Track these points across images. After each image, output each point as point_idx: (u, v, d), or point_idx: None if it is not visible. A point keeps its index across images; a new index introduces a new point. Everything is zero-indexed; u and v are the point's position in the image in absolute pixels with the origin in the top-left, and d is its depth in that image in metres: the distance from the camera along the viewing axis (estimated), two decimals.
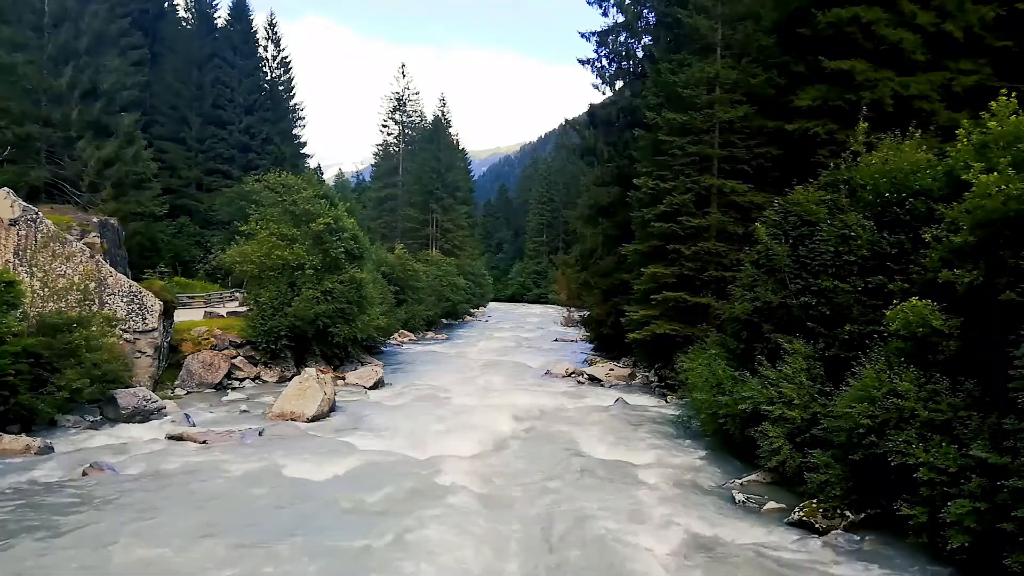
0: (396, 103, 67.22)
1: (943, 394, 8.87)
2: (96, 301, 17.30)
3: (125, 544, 8.41)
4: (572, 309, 43.35)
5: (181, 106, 43.17)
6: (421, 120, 68.60)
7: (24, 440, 12.35)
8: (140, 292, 18.46)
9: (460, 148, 78.18)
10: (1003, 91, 9.91)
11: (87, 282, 16.88)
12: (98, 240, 21.13)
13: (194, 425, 15.14)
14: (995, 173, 8.71)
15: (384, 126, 67.89)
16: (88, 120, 28.70)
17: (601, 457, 13.54)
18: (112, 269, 18.72)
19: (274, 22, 49.73)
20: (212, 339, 21.37)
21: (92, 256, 18.16)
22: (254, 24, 48.12)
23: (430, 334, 42.43)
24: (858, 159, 12.94)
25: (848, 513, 9.67)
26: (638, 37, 28.22)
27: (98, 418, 15.16)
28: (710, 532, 9.57)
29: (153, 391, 17.28)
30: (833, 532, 9.43)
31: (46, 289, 15.80)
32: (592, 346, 33.18)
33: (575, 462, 13.10)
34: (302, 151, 51.75)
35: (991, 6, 15.92)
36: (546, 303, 78.93)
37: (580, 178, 53.70)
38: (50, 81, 27.75)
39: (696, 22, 20.74)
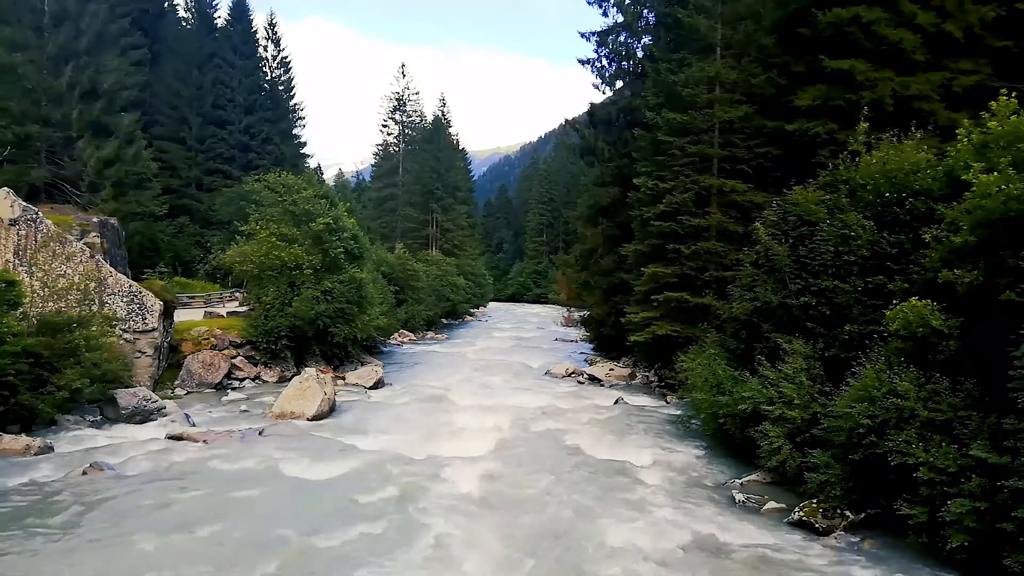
0: (396, 103, 67.28)
1: (943, 394, 8.87)
2: (96, 301, 17.30)
3: (125, 544, 8.42)
4: (572, 309, 43.35)
5: (181, 106, 43.16)
6: (421, 120, 68.62)
7: (24, 440, 12.35)
8: (140, 292, 18.46)
9: (460, 148, 78.14)
10: (1003, 91, 9.91)
11: (87, 282, 16.88)
12: (98, 240, 21.13)
13: (194, 425, 15.14)
14: (995, 173, 8.71)
15: (384, 126, 67.99)
16: (88, 120, 28.67)
17: (601, 457, 13.54)
18: (112, 269, 18.71)
19: (274, 22, 49.82)
20: (212, 339, 21.36)
21: (92, 256, 18.16)
22: (254, 24, 48.17)
23: (430, 334, 42.42)
24: (858, 159, 12.95)
25: (848, 513, 9.68)
26: (638, 37, 28.26)
27: (98, 418, 15.16)
28: (710, 532, 9.57)
29: (153, 391, 17.27)
30: (833, 532, 9.45)
31: (46, 289, 15.81)
32: (592, 346, 33.19)
33: (575, 462, 13.11)
34: (302, 151, 51.75)
35: (991, 6, 15.91)
36: (546, 303, 78.96)
37: (580, 178, 53.73)
38: (50, 81, 27.73)
39: (696, 22, 20.75)
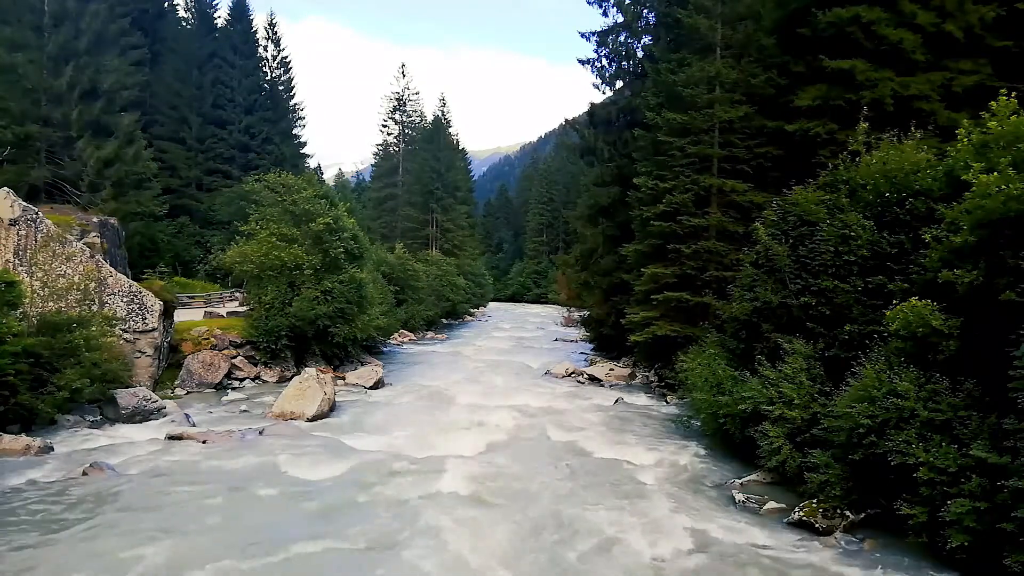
0: (396, 103, 67.29)
1: (943, 394, 8.88)
2: (96, 301, 17.30)
3: (125, 544, 8.41)
4: (572, 309, 43.34)
5: (181, 106, 43.17)
6: (421, 120, 68.63)
7: (24, 440, 12.35)
8: (140, 292, 18.46)
9: (460, 148, 78.17)
10: (1003, 91, 9.91)
11: (87, 282, 16.88)
12: (98, 240, 21.14)
13: (194, 425, 15.15)
14: (995, 173, 8.72)
15: (384, 126, 68.00)
16: (88, 120, 28.69)
17: (601, 457, 13.54)
18: (112, 269, 18.72)
19: (274, 22, 49.83)
20: (212, 339, 21.37)
21: (92, 256, 18.16)
22: (254, 24, 48.20)
23: (430, 334, 42.42)
24: (858, 159, 12.95)
25: (848, 513, 9.68)
26: (638, 37, 28.25)
27: (98, 418, 15.16)
28: (710, 532, 9.57)
29: (153, 391, 17.28)
30: (833, 532, 9.44)
31: (46, 289, 15.81)
32: (592, 346, 33.19)
33: (575, 462, 13.10)
34: (302, 151, 51.77)
35: (991, 6, 15.90)
36: (546, 303, 79.02)
37: (580, 178, 53.73)
38: (50, 81, 27.75)
39: (696, 22, 20.75)
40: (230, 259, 23.63)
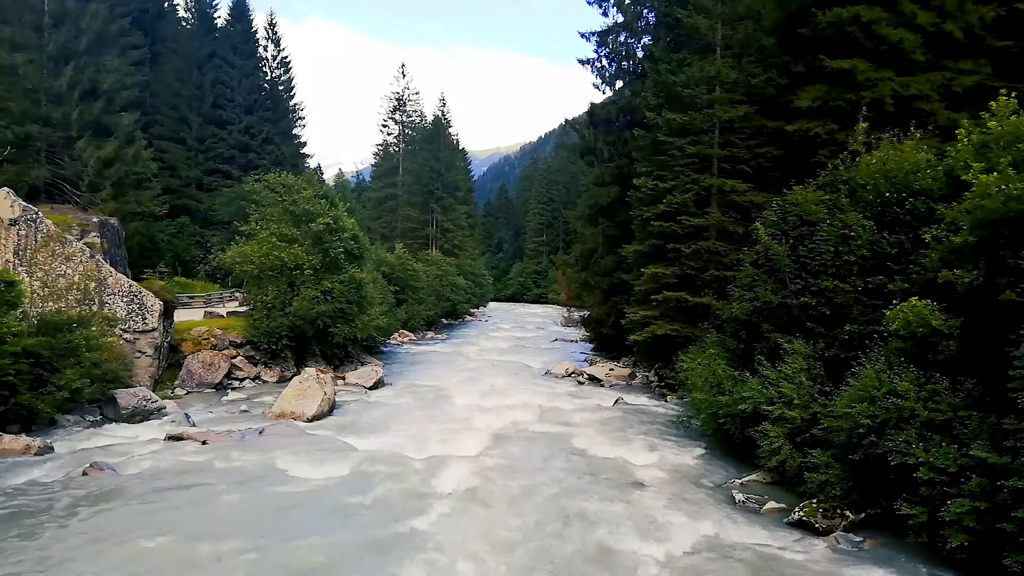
0: (396, 103, 67.26)
1: (943, 394, 8.88)
2: (96, 301, 17.30)
3: (125, 544, 8.41)
4: (572, 309, 43.39)
5: (181, 106, 43.15)
6: (421, 120, 68.60)
7: (24, 440, 12.35)
8: (140, 292, 18.46)
9: (460, 148, 78.11)
10: (1003, 91, 9.91)
11: (87, 282, 16.88)
12: (98, 240, 21.13)
13: (194, 425, 15.14)
14: (995, 173, 8.72)
15: (384, 126, 67.96)
16: (88, 120, 28.64)
17: (601, 457, 13.54)
18: (112, 269, 18.72)
19: (274, 22, 49.75)
20: (212, 339, 21.37)
21: (92, 256, 18.17)
22: (254, 24, 48.15)
23: (430, 334, 42.42)
24: (858, 159, 12.96)
25: (848, 513, 9.68)
26: (638, 37, 28.29)
27: (98, 418, 15.16)
28: (710, 532, 9.58)
29: (153, 391, 17.28)
30: (833, 532, 9.45)
31: (46, 289, 15.81)
32: (592, 346, 33.21)
33: (575, 462, 13.11)
34: (302, 151, 51.70)
35: (991, 6, 15.90)
36: (546, 303, 79.04)
37: (580, 178, 53.76)
38: (50, 81, 27.70)
39: (696, 22, 20.76)
40: (230, 259, 23.63)
